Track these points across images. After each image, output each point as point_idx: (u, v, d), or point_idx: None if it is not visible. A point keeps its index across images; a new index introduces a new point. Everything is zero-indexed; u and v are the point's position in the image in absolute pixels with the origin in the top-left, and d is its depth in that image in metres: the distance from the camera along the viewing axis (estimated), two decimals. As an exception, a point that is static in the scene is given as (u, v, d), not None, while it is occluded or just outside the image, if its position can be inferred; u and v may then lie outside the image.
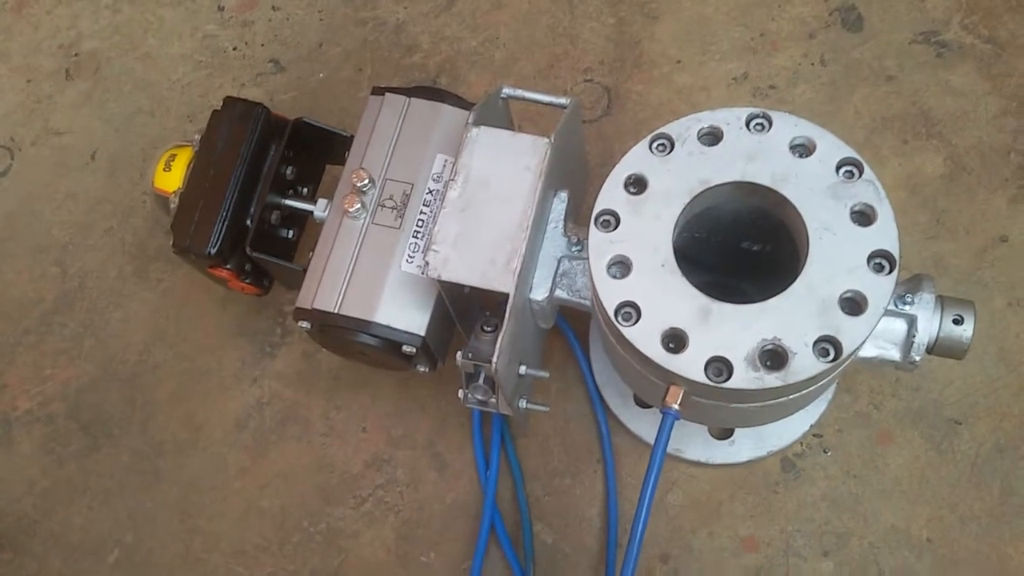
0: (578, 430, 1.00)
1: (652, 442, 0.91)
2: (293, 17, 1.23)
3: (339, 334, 0.84)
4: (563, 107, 0.86)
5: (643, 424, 0.96)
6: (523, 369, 0.84)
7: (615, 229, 0.76)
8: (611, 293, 0.74)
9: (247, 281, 0.92)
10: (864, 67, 1.12)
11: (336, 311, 0.83)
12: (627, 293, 0.73)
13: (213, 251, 0.86)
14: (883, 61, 1.12)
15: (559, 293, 0.83)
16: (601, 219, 0.76)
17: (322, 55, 1.20)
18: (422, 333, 0.83)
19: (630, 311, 0.73)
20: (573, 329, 1.01)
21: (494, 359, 0.76)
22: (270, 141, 0.91)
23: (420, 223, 0.85)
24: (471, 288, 0.80)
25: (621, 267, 0.75)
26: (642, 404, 0.97)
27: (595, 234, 0.76)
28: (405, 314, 0.83)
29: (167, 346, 1.10)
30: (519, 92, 0.88)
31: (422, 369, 0.88)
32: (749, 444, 0.95)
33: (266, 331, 1.08)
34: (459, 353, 0.84)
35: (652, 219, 0.76)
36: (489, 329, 0.85)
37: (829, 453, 0.97)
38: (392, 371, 0.95)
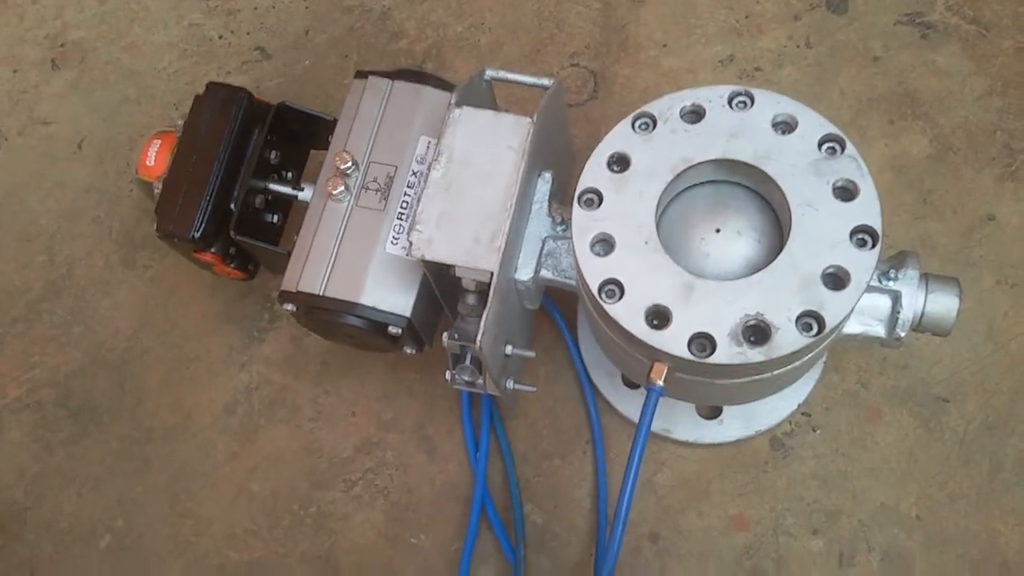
0: (567, 412, 1.01)
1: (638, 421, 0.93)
2: (279, 5, 1.23)
3: (325, 316, 0.84)
4: (546, 88, 0.86)
5: (631, 405, 0.97)
6: (509, 349, 0.84)
7: (598, 207, 0.76)
8: (595, 270, 0.74)
9: (232, 266, 0.92)
10: (849, 48, 1.12)
11: (321, 293, 0.83)
12: (611, 270, 0.73)
13: (197, 235, 0.86)
14: (868, 42, 1.12)
15: (544, 273, 0.84)
16: (584, 197, 0.77)
17: (308, 42, 1.20)
18: (407, 314, 0.83)
19: (613, 288, 0.73)
20: (561, 311, 1.01)
21: (479, 338, 0.76)
22: (253, 126, 0.91)
23: (404, 205, 0.85)
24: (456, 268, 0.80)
25: (604, 245, 0.75)
26: (630, 385, 0.97)
27: (578, 212, 0.76)
28: (391, 296, 0.83)
29: (155, 333, 1.09)
30: (502, 74, 0.88)
31: (409, 351, 0.88)
32: (738, 424, 0.95)
33: (254, 316, 1.08)
34: (445, 334, 0.84)
35: (635, 197, 0.76)
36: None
37: (818, 432, 0.97)
38: (379, 353, 0.95)
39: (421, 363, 1.02)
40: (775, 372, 0.74)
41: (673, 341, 0.71)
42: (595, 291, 0.73)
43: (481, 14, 1.19)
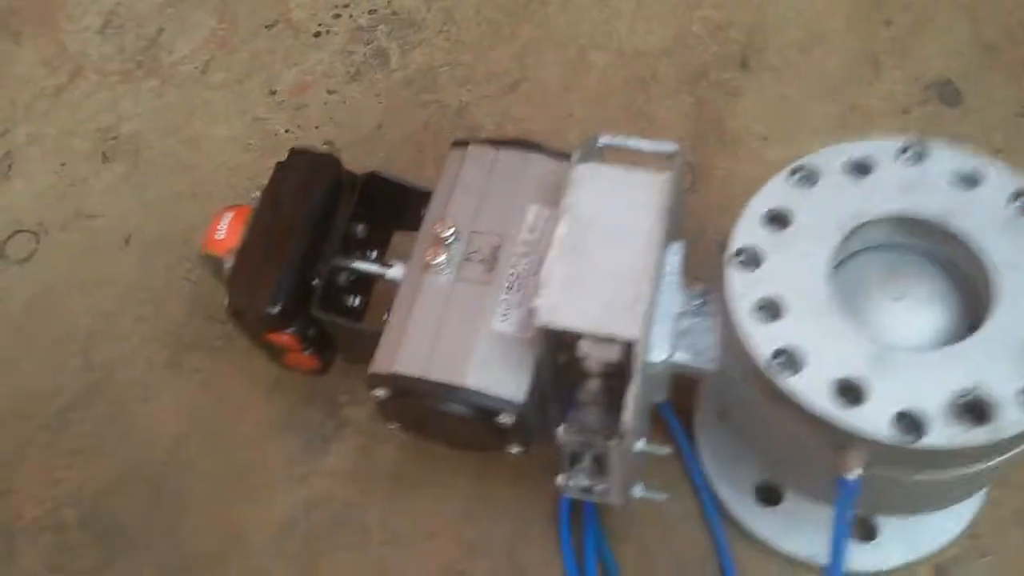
0: (686, 535, 0.85)
1: (781, 547, 0.79)
2: (350, 100, 1.16)
3: (422, 403, 0.71)
4: (669, 154, 0.76)
5: (769, 525, 0.82)
6: (642, 443, 0.71)
7: (758, 268, 0.65)
8: (763, 338, 0.62)
9: (308, 352, 0.79)
10: (968, 142, 1.03)
11: (419, 376, 0.71)
12: (784, 338, 0.61)
13: (275, 311, 0.75)
14: (988, 135, 1.04)
15: (679, 356, 0.71)
16: (740, 257, 0.66)
17: (381, 137, 1.12)
18: (521, 400, 0.70)
19: (789, 359, 0.61)
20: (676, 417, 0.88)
21: (625, 420, 0.63)
22: (339, 196, 0.81)
23: (513, 277, 0.74)
24: (578, 346, 0.68)
25: (772, 309, 0.63)
26: (766, 501, 0.82)
27: (735, 274, 0.65)
28: (500, 379, 0.70)
29: (201, 443, 0.96)
30: (618, 140, 0.78)
31: (515, 451, 0.75)
32: (898, 547, 0.79)
33: (317, 423, 0.95)
34: (561, 428, 0.71)
35: (801, 257, 0.65)
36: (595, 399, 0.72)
37: (988, 558, 0.82)
38: (477, 452, 0.82)
39: (510, 475, 0.88)
40: (988, 463, 0.60)
41: (873, 421, 0.58)
42: (766, 363, 0.61)
43: (566, 108, 1.12)
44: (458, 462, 0.90)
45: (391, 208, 0.83)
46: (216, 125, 1.16)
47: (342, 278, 0.80)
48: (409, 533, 0.88)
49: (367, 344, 0.75)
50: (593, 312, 0.65)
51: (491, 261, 0.75)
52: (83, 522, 0.93)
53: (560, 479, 0.74)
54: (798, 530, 0.81)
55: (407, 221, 0.83)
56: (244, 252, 0.78)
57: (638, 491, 0.73)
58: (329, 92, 1.17)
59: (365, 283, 0.83)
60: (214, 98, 1.18)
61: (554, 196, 0.77)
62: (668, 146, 0.77)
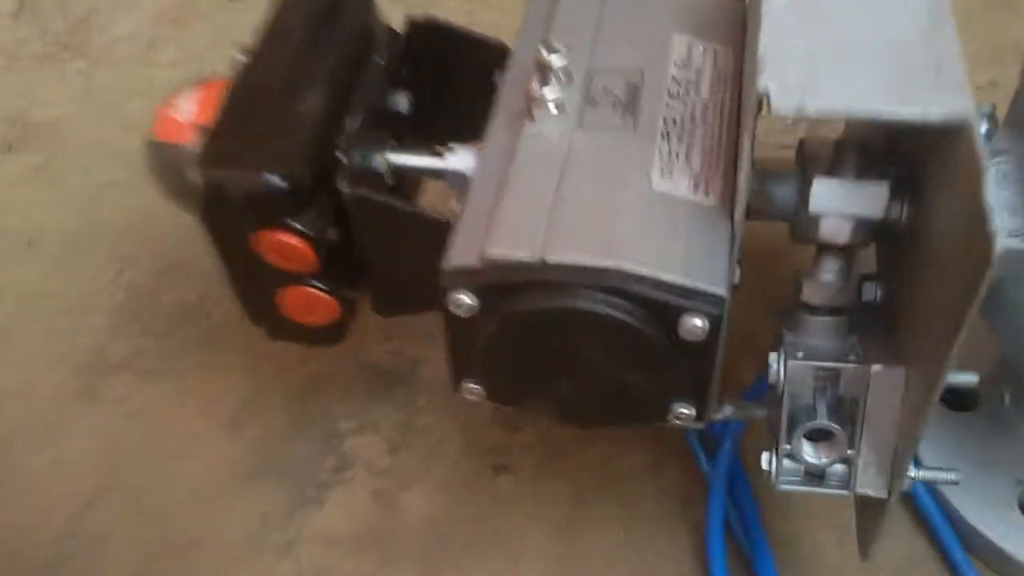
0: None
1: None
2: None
3: (540, 308, 0.40)
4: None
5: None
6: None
7: None
8: None
9: (324, 283, 0.48)
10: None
11: (535, 259, 0.40)
12: None
13: (283, 182, 0.44)
14: None
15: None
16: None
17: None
18: (719, 292, 0.39)
19: None
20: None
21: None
22: (370, 49, 0.53)
23: (674, 122, 0.46)
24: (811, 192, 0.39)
25: None
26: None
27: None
28: (677, 259, 0.40)
29: (127, 502, 0.62)
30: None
31: (683, 412, 0.43)
32: None
33: (307, 464, 0.62)
34: (777, 356, 0.41)
35: None
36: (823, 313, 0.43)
37: None
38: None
39: (613, 513, 0.57)
40: None
41: None
42: None
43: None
44: (531, 501, 0.58)
45: (448, 76, 0.54)
46: (163, 104, 0.88)
47: (377, 161, 0.50)
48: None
49: (429, 245, 0.44)
50: (870, 89, 0.37)
51: (629, 104, 0.47)
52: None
53: (767, 462, 0.43)
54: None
55: (470, 106, 0.54)
56: (229, 113, 0.47)
57: (915, 471, 0.42)
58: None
59: (400, 190, 0.53)
60: (160, 77, 0.91)
61: (702, 26, 0.51)
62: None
